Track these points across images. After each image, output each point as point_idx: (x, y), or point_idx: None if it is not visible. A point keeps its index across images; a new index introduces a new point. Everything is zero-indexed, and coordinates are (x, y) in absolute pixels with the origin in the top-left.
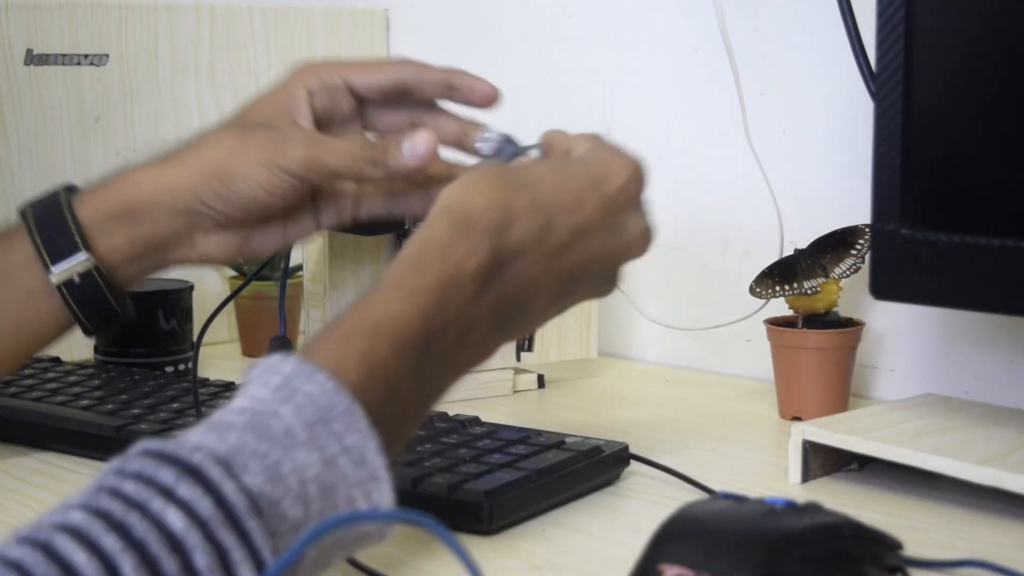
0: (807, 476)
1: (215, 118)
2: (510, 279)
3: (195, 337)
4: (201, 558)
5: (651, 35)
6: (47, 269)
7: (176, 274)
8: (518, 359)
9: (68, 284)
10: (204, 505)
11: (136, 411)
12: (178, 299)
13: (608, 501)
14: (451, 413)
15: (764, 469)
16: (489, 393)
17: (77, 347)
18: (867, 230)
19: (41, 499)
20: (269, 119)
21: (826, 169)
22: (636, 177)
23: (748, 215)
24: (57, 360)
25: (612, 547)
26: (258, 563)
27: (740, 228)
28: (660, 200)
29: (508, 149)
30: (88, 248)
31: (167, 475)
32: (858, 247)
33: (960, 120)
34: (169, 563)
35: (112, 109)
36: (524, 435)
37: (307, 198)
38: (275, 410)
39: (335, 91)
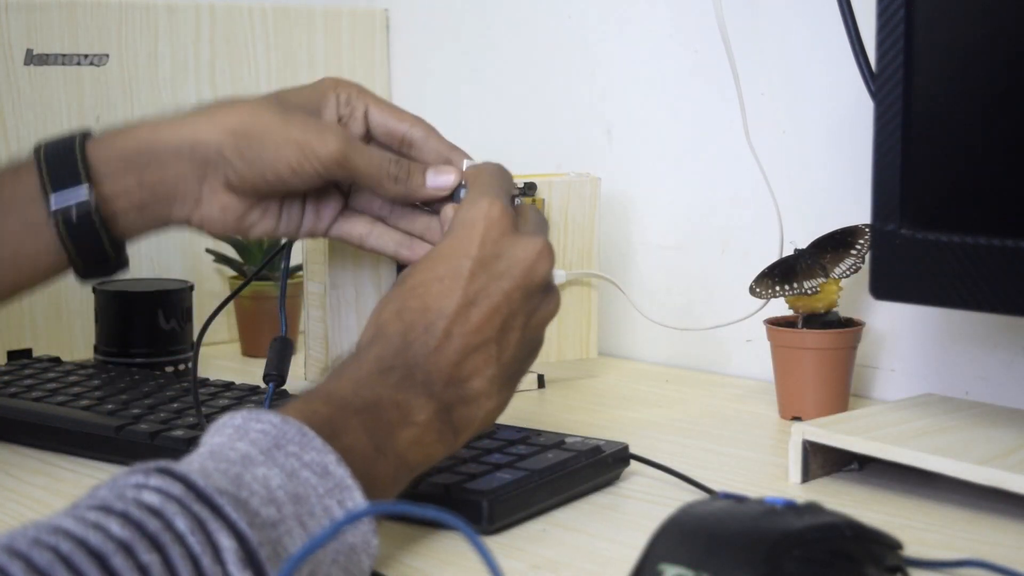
0: (807, 476)
1: None
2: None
3: (195, 337)
4: (182, 522)
5: (651, 35)
6: (47, 200)
7: (176, 273)
8: None
9: (66, 218)
10: (176, 488)
11: (136, 411)
12: (178, 299)
13: (608, 501)
14: None
15: (764, 469)
16: None
17: (77, 347)
18: (867, 230)
19: (41, 499)
20: (305, 107)
21: (826, 169)
22: (546, 256)
23: (748, 215)
24: (57, 360)
25: (612, 547)
26: (236, 533)
27: (740, 228)
28: (660, 200)
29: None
30: (92, 185)
31: (137, 477)
32: (858, 247)
33: (960, 120)
34: (153, 523)
35: (112, 109)
36: (524, 435)
37: (315, 197)
38: (232, 445)
39: (355, 111)
